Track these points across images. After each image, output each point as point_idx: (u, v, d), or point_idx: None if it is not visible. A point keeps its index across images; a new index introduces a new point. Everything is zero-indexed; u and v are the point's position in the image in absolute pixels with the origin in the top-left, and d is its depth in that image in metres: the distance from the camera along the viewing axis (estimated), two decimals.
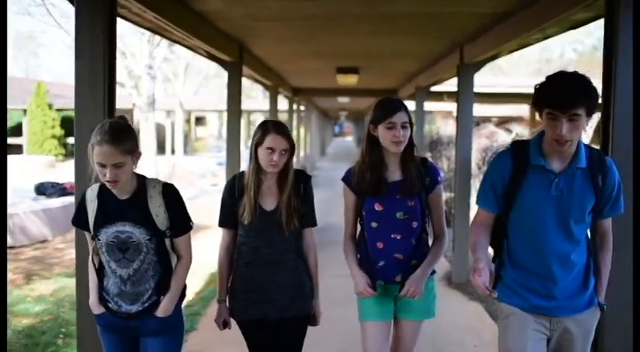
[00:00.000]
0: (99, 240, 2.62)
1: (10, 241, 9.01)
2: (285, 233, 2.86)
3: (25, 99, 26.52)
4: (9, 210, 9.24)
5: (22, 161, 22.70)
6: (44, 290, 6.72)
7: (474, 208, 8.46)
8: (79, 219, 2.71)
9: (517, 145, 2.66)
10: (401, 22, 5.79)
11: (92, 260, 2.70)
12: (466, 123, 7.10)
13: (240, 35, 6.65)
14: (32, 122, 25.81)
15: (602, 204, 2.57)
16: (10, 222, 9.11)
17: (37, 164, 22.42)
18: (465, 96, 7.07)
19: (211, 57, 7.00)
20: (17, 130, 27.51)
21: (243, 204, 2.85)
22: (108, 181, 2.50)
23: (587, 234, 2.62)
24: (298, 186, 2.91)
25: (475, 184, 8.09)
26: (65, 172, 19.31)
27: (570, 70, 2.62)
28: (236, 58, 7.00)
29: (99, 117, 3.09)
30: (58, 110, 27.03)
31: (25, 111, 26.32)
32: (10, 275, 7.34)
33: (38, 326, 5.49)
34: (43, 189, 11.71)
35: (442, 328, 4.96)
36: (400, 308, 2.96)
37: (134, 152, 2.54)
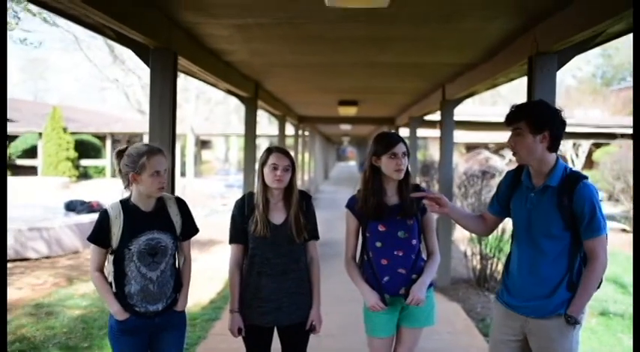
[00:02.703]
0: (129, 249, 2.84)
1: (46, 251, 10.17)
2: (293, 243, 3.14)
3: (36, 122, 27.28)
4: (46, 224, 10.44)
5: (37, 182, 23.66)
6: (87, 290, 7.72)
7: (456, 225, 9.44)
8: (100, 235, 2.87)
9: (521, 166, 2.93)
10: (389, 68, 6.89)
11: (104, 273, 2.93)
12: (448, 149, 8.09)
13: (257, 76, 7.76)
14: (47, 145, 26.67)
15: (577, 225, 2.65)
16: (46, 234, 10.25)
17: (51, 185, 23.30)
18: (447, 127, 8.07)
19: (231, 93, 8.06)
20: (32, 152, 28.38)
21: (255, 220, 3.11)
22: (160, 188, 2.85)
23: (566, 249, 2.71)
24: (302, 203, 3.20)
25: (457, 203, 9.11)
26: (79, 192, 20.28)
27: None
28: (252, 94, 8.09)
29: (165, 140, 4.24)
30: (72, 133, 27.90)
31: (40, 134, 27.22)
32: (52, 280, 8.45)
33: (89, 315, 6.54)
34: (72, 206, 12.66)
35: None
36: (403, 318, 3.21)
37: None
